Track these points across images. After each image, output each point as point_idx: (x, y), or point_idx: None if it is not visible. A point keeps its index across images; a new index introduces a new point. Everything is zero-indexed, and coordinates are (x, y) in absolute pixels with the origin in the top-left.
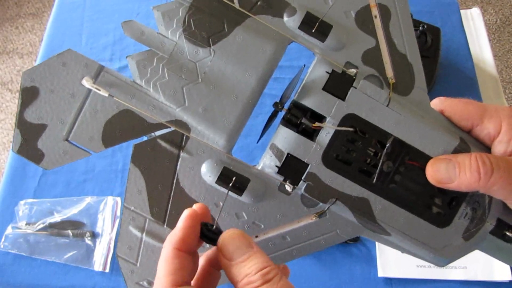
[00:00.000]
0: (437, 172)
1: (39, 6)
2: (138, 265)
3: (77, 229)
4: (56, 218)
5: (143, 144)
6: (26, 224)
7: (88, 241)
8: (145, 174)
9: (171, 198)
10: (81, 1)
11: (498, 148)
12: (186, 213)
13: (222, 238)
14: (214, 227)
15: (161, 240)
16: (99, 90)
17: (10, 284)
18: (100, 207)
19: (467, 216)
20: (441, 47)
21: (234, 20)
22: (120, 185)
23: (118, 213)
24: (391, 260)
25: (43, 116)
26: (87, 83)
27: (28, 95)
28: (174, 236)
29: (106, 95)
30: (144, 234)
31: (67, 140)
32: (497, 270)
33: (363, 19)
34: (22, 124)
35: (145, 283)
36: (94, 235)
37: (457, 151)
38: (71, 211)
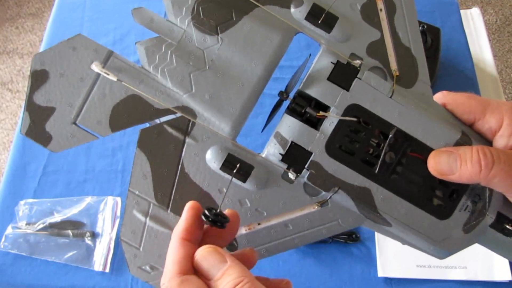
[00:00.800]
0: (439, 164)
1: (39, 6)
2: (141, 249)
3: (77, 229)
4: (56, 218)
5: (150, 129)
6: (26, 224)
7: (88, 241)
8: (151, 159)
9: (175, 184)
10: (81, 1)
11: (500, 142)
12: (188, 205)
13: (196, 257)
14: (219, 210)
15: (165, 225)
16: (108, 74)
17: (10, 284)
18: (100, 207)
19: (467, 208)
20: (441, 47)
21: (242, 9)
22: (120, 185)
23: (118, 213)
24: (391, 260)
25: (52, 99)
26: (96, 67)
27: (38, 78)
28: (178, 226)
29: (115, 79)
30: (148, 218)
31: (75, 123)
32: (497, 270)
33: (368, 12)
34: (31, 106)
35: (147, 268)
36: (94, 235)
37: (458, 144)
38: (71, 211)
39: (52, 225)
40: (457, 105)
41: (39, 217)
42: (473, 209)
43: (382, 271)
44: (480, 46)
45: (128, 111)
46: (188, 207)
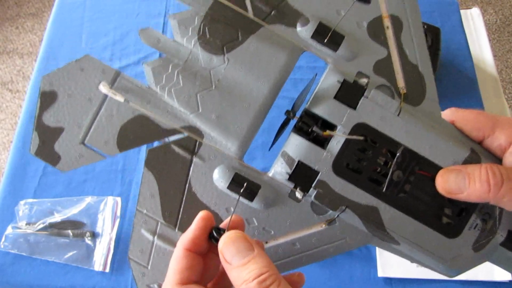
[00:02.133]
0: (447, 183)
1: (39, 6)
2: (149, 268)
3: (77, 229)
4: (56, 218)
5: (157, 149)
6: (26, 224)
7: (88, 241)
8: (158, 178)
9: (183, 203)
10: (81, 1)
11: (510, 159)
12: (200, 215)
13: (223, 240)
14: (227, 230)
15: (173, 244)
16: (115, 95)
17: (10, 284)
18: (100, 207)
19: (477, 227)
20: (441, 47)
21: (248, 29)
22: (120, 185)
23: (118, 213)
24: (391, 260)
25: (61, 119)
26: (104, 88)
27: (47, 99)
28: (185, 236)
29: (122, 100)
30: (156, 237)
31: (83, 143)
32: (497, 270)
33: (375, 30)
34: (40, 127)
35: (155, 286)
36: (94, 235)
37: (467, 161)
38: (71, 211)
39: (52, 225)
40: (466, 122)
41: (39, 217)
42: (483, 228)
43: (382, 271)
44: (480, 46)
45: (135, 131)
46: (200, 217)
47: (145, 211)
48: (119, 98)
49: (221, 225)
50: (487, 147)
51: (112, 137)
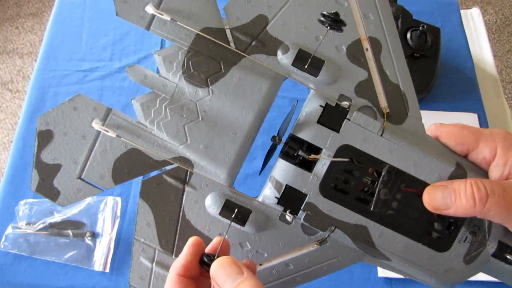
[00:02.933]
0: (434, 200)
1: (39, 6)
2: None
3: (77, 229)
4: (56, 218)
5: (150, 180)
6: (26, 224)
7: (88, 241)
8: (153, 208)
9: (178, 230)
10: (81, 1)
11: (495, 172)
12: (190, 241)
13: (214, 267)
14: (216, 256)
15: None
16: (107, 131)
17: (10, 284)
18: (100, 207)
19: (467, 240)
20: (441, 47)
21: (230, 60)
22: (120, 185)
23: (118, 213)
24: None
25: (58, 157)
26: (96, 125)
27: (44, 138)
28: (177, 262)
29: (114, 136)
30: (154, 264)
31: (80, 178)
32: None
33: (355, 53)
34: (39, 164)
35: None
36: (94, 235)
37: (453, 176)
38: (71, 211)
39: (52, 225)
40: (449, 137)
41: (39, 217)
42: (473, 240)
43: (382, 271)
44: (480, 46)
45: (129, 165)
46: (190, 244)
47: (142, 240)
48: (111, 134)
49: (207, 250)
50: (473, 161)
51: (107, 171)
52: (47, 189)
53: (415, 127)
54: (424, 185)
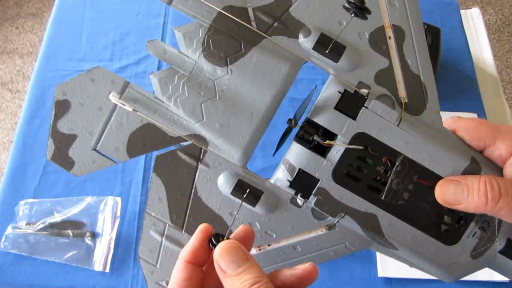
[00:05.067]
0: (446, 194)
1: (39, 6)
2: (158, 266)
3: (77, 229)
4: (56, 218)
5: (164, 156)
6: (26, 224)
7: (88, 241)
8: (166, 183)
9: (189, 206)
10: (81, 1)
11: (510, 169)
12: (199, 228)
13: (218, 250)
14: (226, 237)
15: (179, 244)
16: (124, 105)
17: (10, 284)
18: (100, 207)
19: (475, 235)
20: (441, 47)
21: (251, 41)
22: (120, 185)
23: (118, 213)
24: (391, 260)
25: (74, 127)
26: (113, 98)
27: (61, 107)
28: (185, 249)
29: (131, 110)
30: (164, 238)
31: (95, 149)
32: None
33: (377, 40)
34: (54, 134)
35: (164, 283)
36: (94, 235)
37: (467, 171)
38: (71, 211)
39: (52, 225)
40: (467, 132)
41: (39, 217)
42: (481, 236)
43: (382, 271)
44: (480, 46)
45: (143, 139)
46: (199, 230)
47: (153, 214)
48: (128, 107)
49: (232, 236)
50: (489, 157)
51: (122, 144)
52: (62, 158)
53: (432, 119)
54: (437, 178)
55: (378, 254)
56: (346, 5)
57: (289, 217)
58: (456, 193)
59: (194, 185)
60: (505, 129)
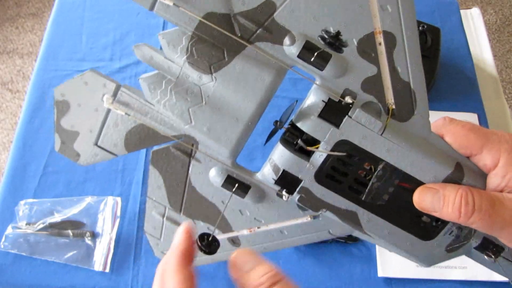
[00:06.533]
0: (423, 202)
1: (39, 6)
2: (161, 240)
3: (77, 229)
4: (56, 218)
5: (160, 151)
6: (26, 224)
7: (88, 241)
8: (163, 174)
9: (185, 194)
10: (81, 1)
11: (493, 180)
12: (180, 230)
13: (234, 254)
14: (212, 236)
15: (178, 224)
16: (117, 109)
17: (10, 284)
18: (100, 207)
19: (452, 233)
20: (441, 47)
21: (234, 48)
22: (120, 185)
23: (118, 213)
24: (391, 260)
25: (75, 125)
26: (106, 102)
27: (62, 107)
28: (173, 254)
29: (123, 114)
30: (164, 218)
31: (96, 144)
32: None
33: (365, 47)
34: (59, 129)
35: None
36: (94, 235)
37: (449, 179)
38: (71, 211)
39: (52, 225)
40: (454, 138)
41: (39, 217)
42: (458, 234)
43: (382, 271)
44: (480, 46)
45: (139, 137)
46: (181, 232)
47: (154, 198)
48: (120, 112)
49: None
50: (475, 163)
51: (120, 141)
52: (68, 151)
53: (420, 125)
54: (418, 182)
55: (378, 254)
56: (323, 34)
57: (275, 207)
58: (433, 201)
59: (188, 177)
60: (494, 139)
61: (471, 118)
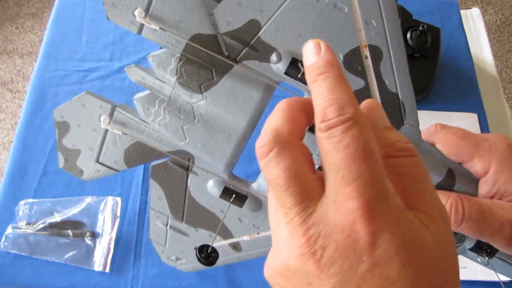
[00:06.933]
0: None
1: (39, 6)
2: (167, 246)
3: (77, 229)
4: (56, 218)
5: (158, 165)
6: (26, 224)
7: (88, 241)
8: (163, 186)
9: (185, 204)
10: (81, 1)
11: (483, 187)
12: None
13: (369, 102)
14: (211, 247)
15: (182, 232)
16: (114, 129)
17: (10, 284)
18: (100, 207)
19: None
20: (441, 47)
21: (222, 68)
22: (120, 185)
23: (118, 213)
24: None
25: (76, 144)
26: (103, 123)
27: (62, 127)
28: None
29: (120, 133)
30: (168, 227)
31: (97, 161)
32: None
33: (352, 62)
34: (61, 148)
35: (174, 258)
36: (94, 235)
37: (440, 186)
38: (71, 211)
39: (52, 225)
40: (446, 146)
41: (39, 217)
42: None
43: None
44: (480, 46)
45: (137, 153)
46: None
47: (156, 209)
48: (117, 131)
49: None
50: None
51: (120, 158)
52: (72, 167)
53: (410, 135)
54: None
55: None
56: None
57: None
58: None
59: (187, 189)
60: (485, 146)
61: (471, 118)
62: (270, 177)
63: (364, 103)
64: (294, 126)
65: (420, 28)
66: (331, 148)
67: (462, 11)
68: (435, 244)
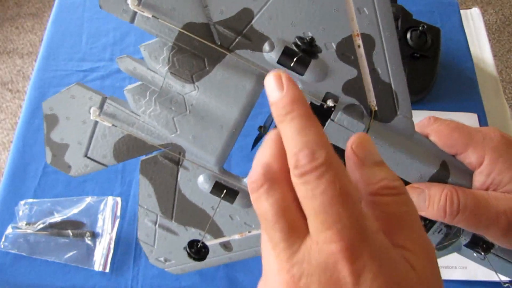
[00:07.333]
0: None
1: (39, 6)
2: (155, 247)
3: (77, 229)
4: (56, 218)
5: (148, 160)
6: (26, 224)
7: (88, 241)
8: (152, 182)
9: (175, 201)
10: (81, 1)
11: (478, 178)
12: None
13: (359, 137)
14: (201, 242)
15: (171, 231)
16: (104, 121)
17: (10, 284)
18: (100, 207)
19: (441, 231)
20: (441, 47)
21: (214, 57)
22: (120, 185)
23: (118, 213)
24: None
25: (64, 137)
26: (93, 115)
27: (50, 121)
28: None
29: (110, 125)
30: (156, 226)
31: (86, 156)
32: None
33: (344, 50)
34: (49, 143)
35: (162, 259)
36: (94, 235)
37: (434, 178)
38: (71, 211)
39: (52, 225)
40: (439, 137)
41: (39, 217)
42: (447, 232)
43: None
44: (480, 46)
45: (127, 147)
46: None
47: (145, 207)
48: (107, 123)
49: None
50: (461, 161)
51: (109, 152)
52: (60, 163)
53: (403, 126)
54: (404, 182)
55: None
56: (297, 41)
57: None
58: (418, 201)
59: (177, 184)
60: (479, 137)
61: (471, 118)
62: (260, 211)
63: (354, 138)
64: (284, 161)
65: (420, 28)
66: (308, 195)
67: (462, 11)
68: (419, 281)
